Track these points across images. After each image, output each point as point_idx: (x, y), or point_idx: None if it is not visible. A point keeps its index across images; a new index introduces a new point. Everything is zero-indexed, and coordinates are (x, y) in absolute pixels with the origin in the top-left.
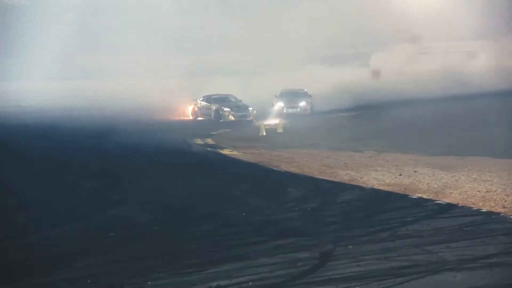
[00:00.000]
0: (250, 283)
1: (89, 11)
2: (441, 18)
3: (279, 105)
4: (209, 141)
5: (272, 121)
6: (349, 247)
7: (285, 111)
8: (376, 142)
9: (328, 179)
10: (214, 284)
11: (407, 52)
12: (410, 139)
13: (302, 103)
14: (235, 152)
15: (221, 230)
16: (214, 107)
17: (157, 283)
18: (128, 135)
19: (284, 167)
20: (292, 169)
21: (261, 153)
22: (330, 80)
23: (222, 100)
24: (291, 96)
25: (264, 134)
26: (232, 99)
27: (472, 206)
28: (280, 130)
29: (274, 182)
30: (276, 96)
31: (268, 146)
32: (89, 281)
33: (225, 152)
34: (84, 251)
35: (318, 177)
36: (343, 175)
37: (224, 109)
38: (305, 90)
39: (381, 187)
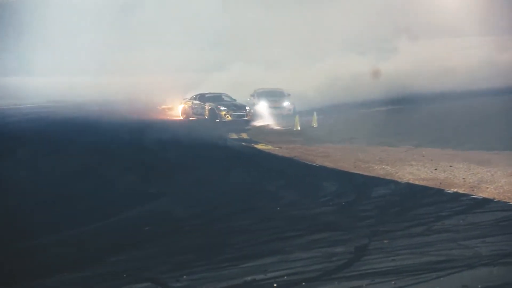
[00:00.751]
0: (286, 277)
1: (124, 6)
2: (476, 12)
3: (263, 104)
4: (244, 135)
5: (264, 121)
6: (384, 241)
7: (268, 111)
8: (412, 137)
9: (363, 173)
10: (250, 278)
11: (442, 46)
12: (445, 134)
13: (286, 103)
14: (269, 147)
15: (257, 224)
16: (208, 106)
17: (193, 277)
18: (165, 130)
19: (319, 161)
20: (327, 163)
21: (295, 148)
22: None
23: (216, 99)
24: (269, 95)
25: (299, 128)
26: (226, 98)
27: (508, 201)
28: (314, 125)
29: (308, 177)
30: (253, 95)
31: (302, 140)
32: (124, 275)
33: (260, 146)
34: (120, 245)
35: (353, 171)
36: (378, 170)
37: (221, 108)
38: (282, 89)
39: (417, 182)
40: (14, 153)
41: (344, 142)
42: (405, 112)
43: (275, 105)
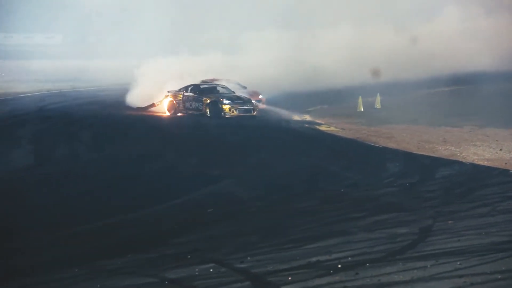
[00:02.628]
0: (350, 258)
1: None
2: None
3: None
4: (307, 117)
5: None
6: (449, 222)
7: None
8: (475, 117)
9: (427, 154)
10: (314, 259)
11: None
12: (509, 114)
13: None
14: (332, 128)
15: (321, 206)
16: (208, 99)
17: (257, 258)
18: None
19: (382, 142)
20: (390, 144)
21: (359, 129)
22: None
23: (212, 90)
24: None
25: (362, 109)
26: (224, 90)
27: None
28: (378, 106)
29: (372, 158)
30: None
31: (365, 122)
32: (189, 257)
33: (323, 128)
34: (184, 227)
35: (416, 152)
36: (442, 150)
37: (224, 101)
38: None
39: (481, 162)
40: (80, 137)
41: (408, 123)
42: (467, 92)
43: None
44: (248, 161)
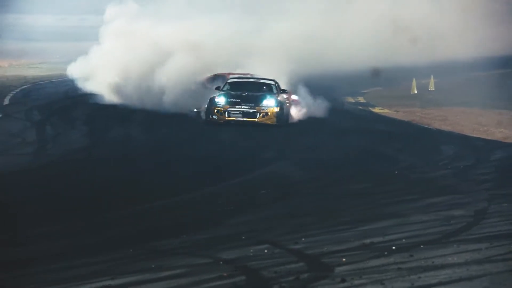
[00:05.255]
0: (404, 240)
1: None
2: None
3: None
4: (361, 99)
5: None
6: (504, 205)
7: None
8: None
9: (482, 137)
10: (368, 241)
11: None
12: None
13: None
14: (386, 110)
15: (374, 188)
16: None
17: (311, 240)
18: None
19: (436, 125)
20: (444, 127)
21: (412, 111)
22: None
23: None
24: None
25: (416, 92)
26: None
27: None
28: (431, 88)
29: (426, 140)
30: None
31: (419, 104)
32: (243, 237)
33: (377, 110)
34: (238, 208)
35: (471, 135)
36: (497, 133)
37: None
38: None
39: None
40: (134, 118)
41: (462, 106)
42: None
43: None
44: (302, 142)
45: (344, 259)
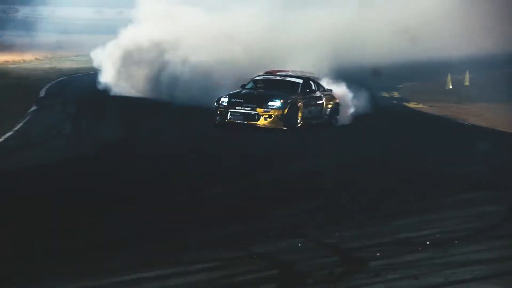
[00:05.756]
0: (438, 235)
1: None
2: None
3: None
4: (396, 94)
5: None
6: None
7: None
8: None
9: None
10: (403, 236)
11: None
12: None
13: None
14: (421, 105)
15: (408, 183)
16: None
17: (345, 234)
18: None
19: (471, 120)
20: (480, 122)
21: (447, 106)
22: None
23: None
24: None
25: (451, 87)
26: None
27: None
28: (466, 83)
29: (461, 136)
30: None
31: (454, 99)
32: (278, 231)
33: (411, 105)
34: (273, 202)
35: (506, 131)
36: None
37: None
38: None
39: None
40: (165, 111)
41: (497, 101)
42: None
43: None
44: (337, 138)
45: (378, 254)
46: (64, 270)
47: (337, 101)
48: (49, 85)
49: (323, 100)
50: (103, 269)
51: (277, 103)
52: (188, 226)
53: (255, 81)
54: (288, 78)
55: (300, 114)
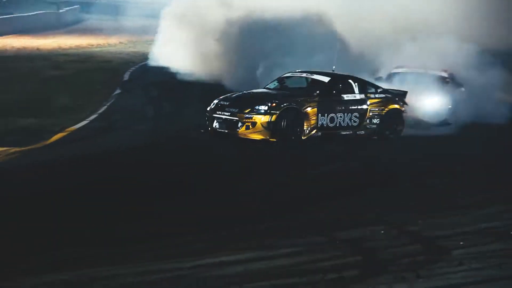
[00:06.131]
0: None
1: None
2: None
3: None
4: None
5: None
6: None
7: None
8: None
9: None
10: (484, 225)
11: None
12: None
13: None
14: None
15: (487, 174)
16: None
17: (428, 222)
18: None
19: None
20: None
21: None
22: None
23: None
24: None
25: None
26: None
27: None
28: None
29: None
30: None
31: None
32: (361, 218)
33: None
34: (355, 188)
35: None
36: None
37: None
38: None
39: None
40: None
41: None
42: None
43: None
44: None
45: (461, 243)
46: (150, 253)
47: (398, 107)
48: (133, 68)
49: (366, 105)
50: (186, 252)
51: (264, 107)
52: (270, 210)
53: (280, 80)
54: (314, 76)
55: (311, 122)
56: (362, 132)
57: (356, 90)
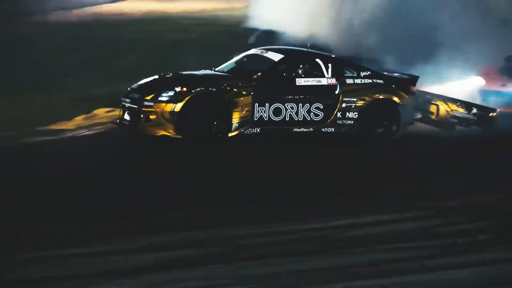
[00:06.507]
0: None
1: None
2: None
3: None
4: None
5: None
6: None
7: None
8: None
9: None
10: None
11: None
12: None
13: None
14: None
15: None
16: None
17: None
18: None
19: None
20: None
21: None
22: None
23: None
24: None
25: None
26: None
27: None
28: None
29: None
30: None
31: None
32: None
33: None
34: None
35: None
36: None
37: None
38: None
39: None
40: None
41: None
42: None
43: None
44: None
45: None
46: (282, 213)
47: (392, 97)
48: (258, 33)
49: (336, 93)
50: (318, 213)
51: (169, 93)
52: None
53: (238, 61)
54: (268, 54)
55: (243, 114)
56: (331, 129)
57: (326, 72)
